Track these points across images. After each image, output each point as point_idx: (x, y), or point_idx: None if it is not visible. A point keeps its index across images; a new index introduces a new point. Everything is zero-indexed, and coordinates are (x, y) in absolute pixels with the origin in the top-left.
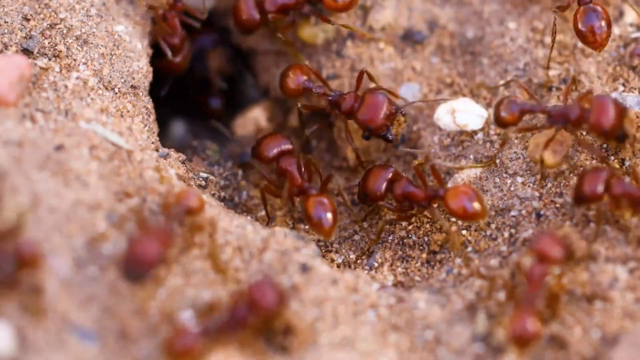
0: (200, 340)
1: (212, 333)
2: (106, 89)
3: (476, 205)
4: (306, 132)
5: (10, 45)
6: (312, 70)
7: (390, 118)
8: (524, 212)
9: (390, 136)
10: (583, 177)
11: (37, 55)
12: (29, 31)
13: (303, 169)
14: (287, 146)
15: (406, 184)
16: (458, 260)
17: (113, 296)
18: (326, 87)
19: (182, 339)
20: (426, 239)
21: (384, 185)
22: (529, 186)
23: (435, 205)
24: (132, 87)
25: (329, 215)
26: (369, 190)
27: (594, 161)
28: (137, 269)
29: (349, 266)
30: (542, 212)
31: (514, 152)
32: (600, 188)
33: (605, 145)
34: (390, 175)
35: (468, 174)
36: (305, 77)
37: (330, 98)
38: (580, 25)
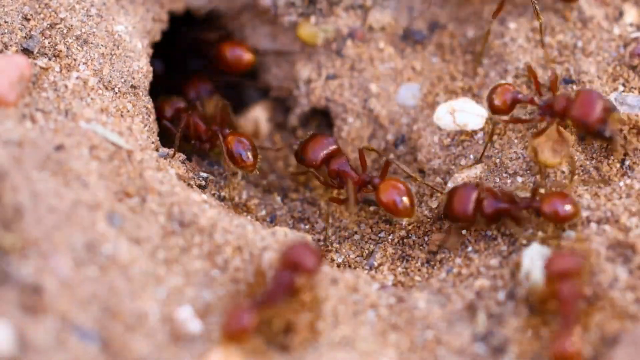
0: (253, 316)
1: (262, 306)
2: (106, 88)
3: (405, 200)
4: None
5: (11, 45)
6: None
7: (606, 114)
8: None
9: (607, 133)
10: (453, 195)
11: (37, 55)
12: (29, 31)
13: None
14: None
15: (343, 162)
16: (458, 260)
17: (113, 296)
18: (535, 93)
19: (237, 319)
20: (426, 238)
21: (320, 155)
22: (529, 186)
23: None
24: (132, 87)
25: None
26: (305, 155)
27: (594, 160)
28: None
29: (349, 266)
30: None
31: (514, 151)
32: (470, 207)
33: (603, 147)
34: (330, 147)
35: (468, 174)
36: (511, 91)
37: (540, 104)
38: None
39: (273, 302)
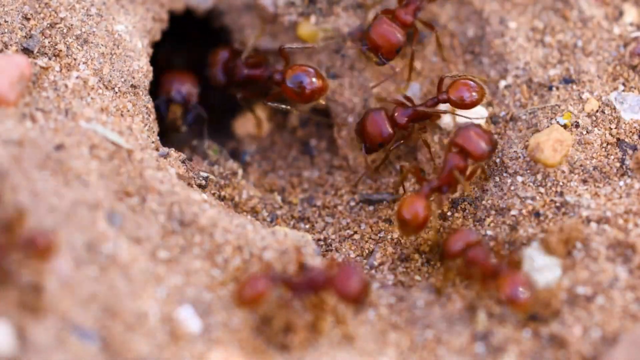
0: (270, 286)
1: (280, 283)
2: (106, 88)
3: (315, 81)
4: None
5: (11, 45)
6: None
7: None
8: (524, 211)
9: None
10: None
11: (37, 54)
12: (29, 30)
13: None
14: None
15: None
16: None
17: (113, 296)
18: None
19: (252, 285)
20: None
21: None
22: (529, 185)
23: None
24: (132, 86)
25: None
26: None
27: (593, 160)
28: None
29: None
30: (541, 212)
31: (514, 151)
32: (385, 127)
33: (604, 147)
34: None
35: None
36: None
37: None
38: None
39: (290, 289)
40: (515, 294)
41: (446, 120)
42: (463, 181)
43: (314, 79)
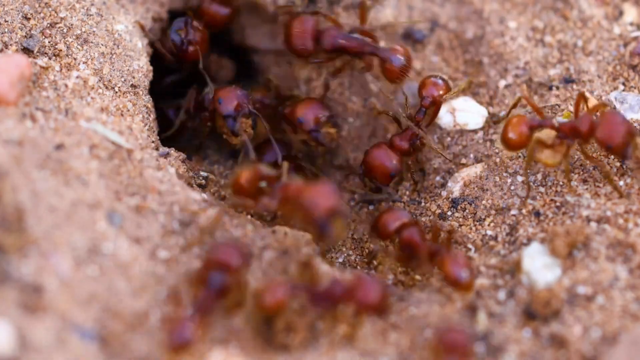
0: (288, 293)
1: (296, 293)
2: (106, 88)
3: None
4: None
5: (11, 44)
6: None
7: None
8: (524, 211)
9: (629, 157)
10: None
11: (38, 54)
12: (29, 30)
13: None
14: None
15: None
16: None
17: (113, 296)
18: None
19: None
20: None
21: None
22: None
23: None
24: (133, 86)
25: None
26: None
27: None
28: None
29: (350, 265)
30: (541, 211)
31: None
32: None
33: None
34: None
35: (468, 173)
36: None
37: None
38: None
39: (305, 298)
40: (459, 275)
41: (446, 120)
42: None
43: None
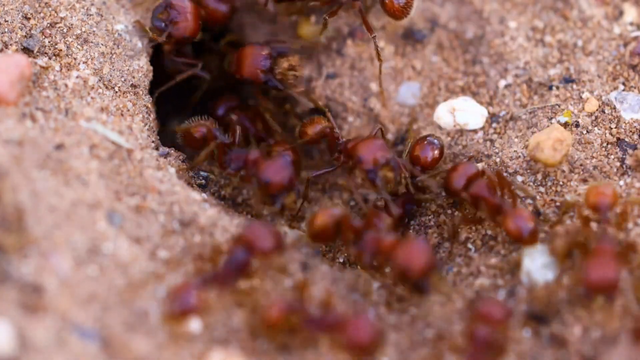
0: (285, 314)
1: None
2: (106, 87)
3: None
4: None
5: (11, 44)
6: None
7: None
8: None
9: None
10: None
11: (38, 54)
12: (29, 30)
13: None
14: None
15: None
16: (458, 259)
17: (113, 295)
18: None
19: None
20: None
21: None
22: (529, 185)
23: None
24: (133, 85)
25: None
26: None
27: (594, 159)
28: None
29: (350, 265)
30: (541, 211)
31: (514, 150)
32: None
33: (604, 146)
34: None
35: None
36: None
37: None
38: None
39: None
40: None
41: (446, 120)
42: None
43: None
